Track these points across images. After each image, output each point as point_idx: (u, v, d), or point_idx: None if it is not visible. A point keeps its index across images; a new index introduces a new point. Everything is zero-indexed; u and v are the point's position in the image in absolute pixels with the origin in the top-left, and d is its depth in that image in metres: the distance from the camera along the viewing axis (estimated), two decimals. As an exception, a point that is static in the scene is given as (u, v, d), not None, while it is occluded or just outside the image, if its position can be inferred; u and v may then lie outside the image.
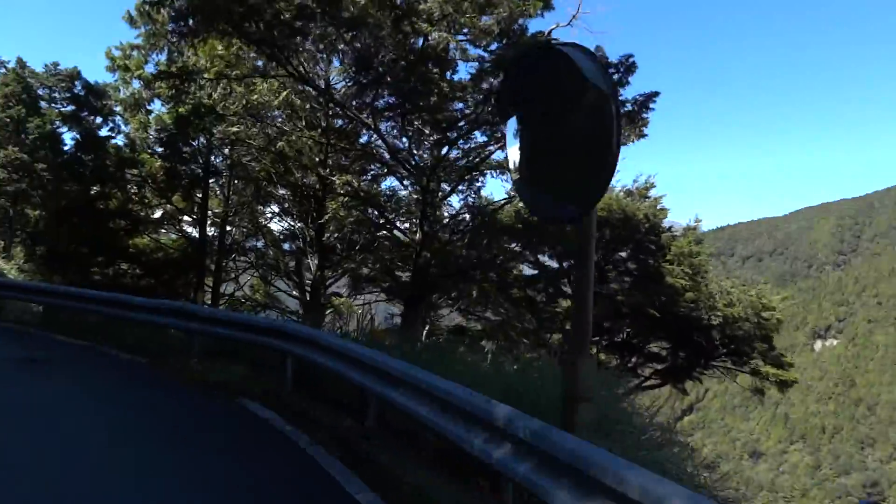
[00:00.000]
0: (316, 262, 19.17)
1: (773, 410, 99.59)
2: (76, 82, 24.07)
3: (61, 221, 18.33)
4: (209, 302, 20.25)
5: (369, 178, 19.58)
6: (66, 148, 22.88)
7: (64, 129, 24.74)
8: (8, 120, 38.67)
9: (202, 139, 17.16)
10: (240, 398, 6.51)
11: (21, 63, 39.14)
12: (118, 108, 20.59)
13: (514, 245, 17.48)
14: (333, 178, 17.49)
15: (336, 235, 20.63)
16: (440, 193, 16.65)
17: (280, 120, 17.74)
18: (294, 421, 5.81)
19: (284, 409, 6.23)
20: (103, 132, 21.21)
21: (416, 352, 7.96)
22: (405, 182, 17.59)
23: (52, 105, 34.65)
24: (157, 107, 20.13)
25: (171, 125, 17.53)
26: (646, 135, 14.13)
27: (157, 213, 22.78)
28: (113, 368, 8.10)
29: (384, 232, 18.56)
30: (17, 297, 12.49)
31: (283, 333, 7.36)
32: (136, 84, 19.83)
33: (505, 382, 6.12)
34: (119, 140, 21.00)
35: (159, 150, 19.53)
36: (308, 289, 20.19)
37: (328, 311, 20.22)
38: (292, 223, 21.67)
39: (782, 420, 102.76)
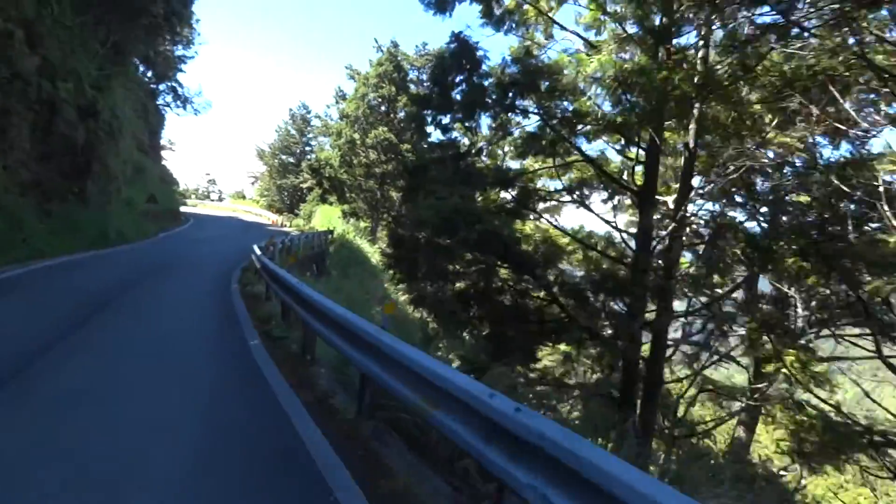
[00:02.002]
0: None
1: None
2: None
3: (409, 191, 10.09)
4: (642, 360, 9.61)
5: None
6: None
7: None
8: (380, 99, 37.14)
9: None
10: None
11: (394, 44, 37.64)
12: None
13: None
14: None
15: None
16: None
17: None
18: None
19: None
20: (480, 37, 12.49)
21: None
22: None
23: (421, 86, 31.16)
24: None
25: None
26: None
27: (551, 185, 13.24)
28: None
29: None
30: (317, 330, 5.24)
31: None
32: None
33: None
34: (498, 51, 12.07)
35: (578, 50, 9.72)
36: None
37: None
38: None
39: None
